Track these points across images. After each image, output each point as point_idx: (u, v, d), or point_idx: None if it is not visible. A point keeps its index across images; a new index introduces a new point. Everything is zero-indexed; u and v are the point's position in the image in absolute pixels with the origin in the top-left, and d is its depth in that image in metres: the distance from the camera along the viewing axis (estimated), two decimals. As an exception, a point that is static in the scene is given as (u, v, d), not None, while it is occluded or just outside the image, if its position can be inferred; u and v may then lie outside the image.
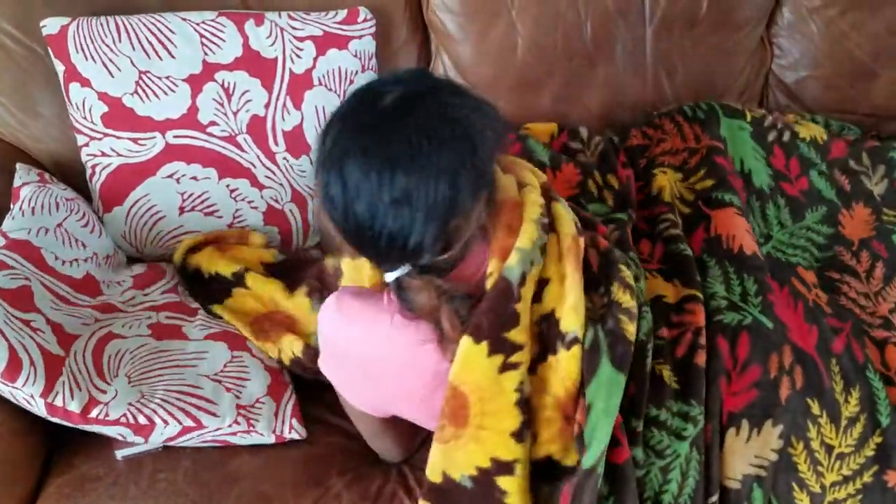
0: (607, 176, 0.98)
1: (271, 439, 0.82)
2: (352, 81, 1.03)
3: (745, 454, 0.74)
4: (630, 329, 0.69)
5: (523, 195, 0.70)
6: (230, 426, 0.80)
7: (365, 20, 1.03)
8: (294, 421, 0.83)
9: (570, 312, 0.67)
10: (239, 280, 0.93)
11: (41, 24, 0.96)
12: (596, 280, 0.74)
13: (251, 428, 0.81)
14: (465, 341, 0.64)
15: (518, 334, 0.65)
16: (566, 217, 0.72)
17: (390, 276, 0.64)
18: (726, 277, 0.82)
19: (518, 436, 0.66)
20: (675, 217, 0.89)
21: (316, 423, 0.86)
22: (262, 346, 0.90)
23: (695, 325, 0.77)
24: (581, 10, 1.10)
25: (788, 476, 0.73)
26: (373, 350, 0.68)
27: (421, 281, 0.63)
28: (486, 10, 1.09)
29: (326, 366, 0.75)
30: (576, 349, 0.67)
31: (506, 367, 0.65)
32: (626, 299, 0.71)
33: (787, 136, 1.03)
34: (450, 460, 0.67)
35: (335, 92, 1.03)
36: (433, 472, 0.68)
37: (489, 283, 0.65)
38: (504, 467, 0.66)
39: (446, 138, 0.58)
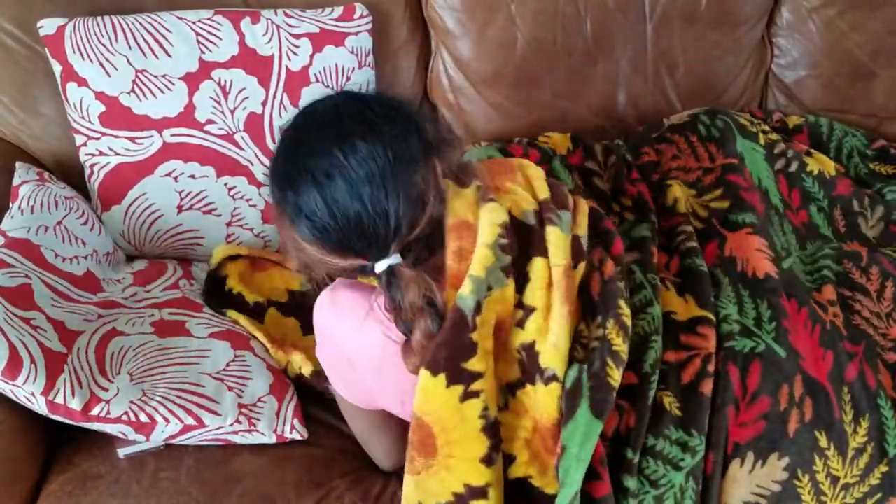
0: (621, 199, 0.95)
1: (272, 439, 0.83)
2: (348, 78, 1.03)
3: (747, 484, 0.73)
4: (615, 376, 0.68)
5: (479, 215, 0.68)
6: (232, 425, 0.80)
7: (361, 17, 1.03)
8: (295, 421, 0.84)
9: (551, 350, 0.67)
10: (258, 312, 0.95)
11: (38, 24, 0.95)
12: (594, 308, 0.72)
13: (252, 427, 0.82)
14: (423, 374, 0.65)
15: (476, 363, 0.65)
16: (561, 244, 0.70)
17: (382, 265, 0.65)
18: (739, 300, 0.79)
19: (487, 461, 0.66)
20: (690, 229, 0.87)
21: (318, 424, 0.87)
22: (274, 353, 0.91)
23: (705, 351, 0.75)
24: (580, 6, 1.10)
25: None
26: (358, 341, 0.70)
27: (413, 272, 0.65)
28: (485, 6, 1.09)
29: (321, 354, 0.78)
30: (554, 386, 0.67)
31: (467, 396, 0.65)
32: (618, 342, 0.69)
33: (794, 167, 1.01)
34: (424, 491, 0.68)
35: (332, 88, 1.03)
36: None
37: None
38: (477, 492, 0.66)
39: (393, 115, 0.66)
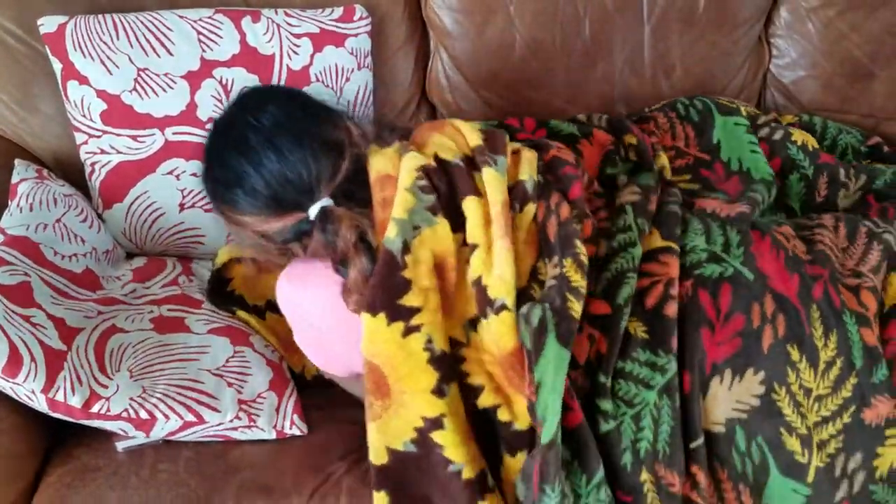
0: (625, 136, 0.99)
1: (272, 435, 0.83)
2: (348, 79, 1.04)
3: (728, 400, 0.75)
4: (577, 308, 0.72)
5: (400, 164, 0.76)
6: (231, 421, 0.81)
7: (361, 18, 1.03)
8: (295, 416, 0.84)
9: (497, 281, 0.72)
10: (259, 313, 0.96)
11: (38, 22, 0.95)
12: (551, 250, 0.77)
13: (252, 423, 0.82)
14: (365, 317, 0.70)
15: (413, 298, 0.71)
16: (495, 183, 0.76)
17: (314, 209, 0.74)
18: (707, 230, 0.83)
19: (438, 392, 0.71)
20: (676, 190, 0.90)
21: (316, 411, 0.87)
22: (289, 358, 0.92)
23: (666, 277, 0.78)
24: (579, 7, 1.10)
25: (775, 421, 0.74)
26: (320, 305, 0.76)
27: (343, 210, 0.73)
28: (483, 7, 1.09)
29: (298, 339, 0.82)
30: (505, 315, 0.72)
31: (409, 331, 0.71)
32: (577, 278, 0.73)
33: (778, 136, 1.03)
34: (388, 434, 0.71)
35: (332, 88, 1.03)
36: (377, 455, 0.72)
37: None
38: (433, 423, 0.70)
39: (296, 92, 0.86)
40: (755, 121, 1.05)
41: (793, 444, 0.74)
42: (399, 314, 0.70)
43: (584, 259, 0.75)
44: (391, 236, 0.71)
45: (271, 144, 0.75)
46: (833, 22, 1.14)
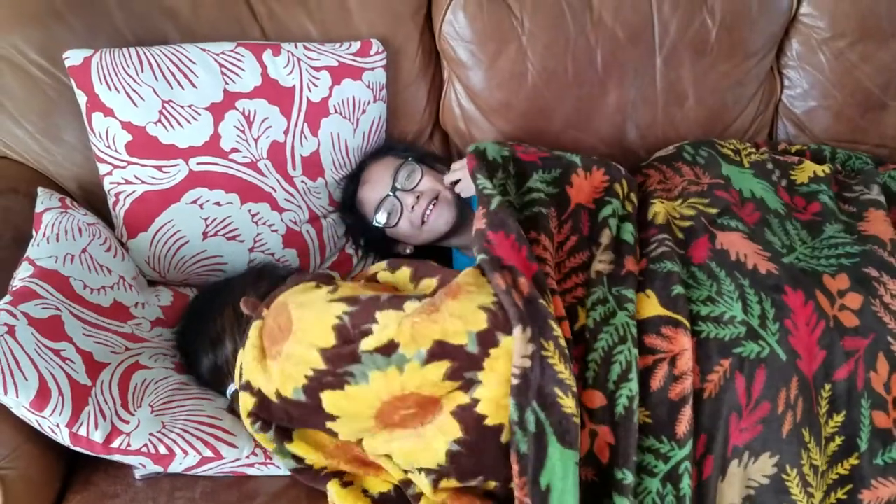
0: (630, 195, 0.96)
1: (287, 471, 0.83)
2: (364, 111, 1.06)
3: (741, 479, 0.75)
4: (568, 404, 0.69)
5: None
6: (248, 457, 0.82)
7: (377, 52, 1.05)
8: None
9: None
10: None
11: (64, 56, 0.97)
12: (521, 316, 0.70)
13: (268, 459, 0.83)
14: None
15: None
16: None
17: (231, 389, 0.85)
18: (742, 294, 0.79)
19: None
20: (667, 237, 0.87)
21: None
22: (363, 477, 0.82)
23: (671, 354, 0.75)
24: (591, 38, 1.12)
25: (781, 498, 0.75)
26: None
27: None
28: (496, 38, 1.11)
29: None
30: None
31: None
32: (561, 369, 0.69)
33: (784, 183, 1.03)
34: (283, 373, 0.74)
35: (349, 120, 1.05)
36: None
37: None
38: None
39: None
40: (761, 167, 1.03)
41: None
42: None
43: (564, 344, 0.71)
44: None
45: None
46: (844, 53, 1.16)
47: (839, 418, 0.77)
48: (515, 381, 0.68)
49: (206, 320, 0.89)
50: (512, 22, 1.10)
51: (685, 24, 1.12)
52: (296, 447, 0.79)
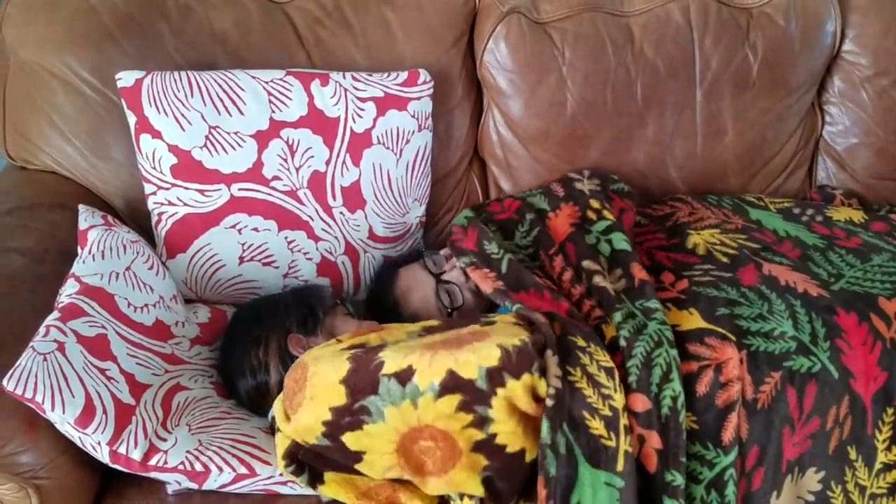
0: (604, 210, 0.99)
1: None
2: (408, 141, 1.06)
3: (789, 495, 0.75)
4: (595, 425, 0.71)
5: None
6: (281, 475, 0.82)
7: (424, 82, 1.06)
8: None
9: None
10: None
11: (116, 76, 1.00)
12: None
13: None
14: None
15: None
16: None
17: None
18: (793, 313, 0.80)
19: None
20: (712, 267, 0.88)
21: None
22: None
23: (716, 362, 0.76)
24: (631, 70, 1.12)
25: None
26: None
27: None
28: (537, 67, 1.11)
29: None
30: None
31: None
32: (590, 393, 0.71)
33: (820, 218, 1.03)
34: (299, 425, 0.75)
35: (392, 150, 1.06)
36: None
37: None
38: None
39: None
40: (789, 212, 1.05)
41: None
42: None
43: (594, 369, 0.73)
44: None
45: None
46: (887, 91, 1.15)
47: None
48: (550, 402, 0.70)
49: (248, 348, 0.90)
50: (553, 52, 1.10)
51: (727, 59, 1.12)
52: (327, 489, 0.79)
